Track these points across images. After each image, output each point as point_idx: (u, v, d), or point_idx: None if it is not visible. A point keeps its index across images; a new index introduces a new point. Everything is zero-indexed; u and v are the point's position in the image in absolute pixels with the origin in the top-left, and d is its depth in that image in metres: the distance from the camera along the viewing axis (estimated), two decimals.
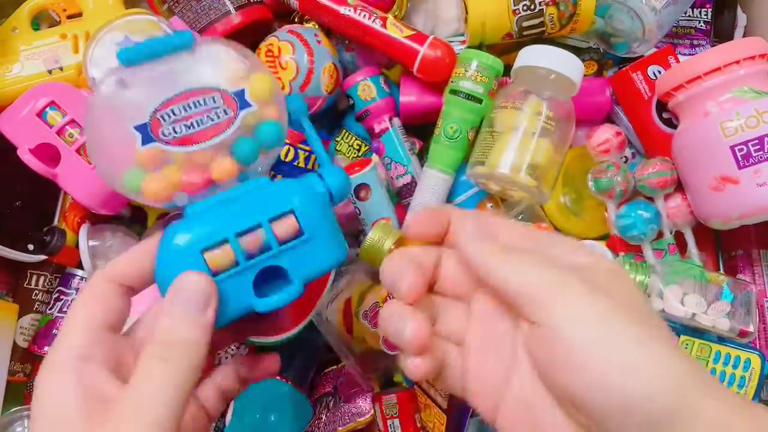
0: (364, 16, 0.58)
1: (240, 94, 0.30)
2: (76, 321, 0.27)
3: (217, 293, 0.28)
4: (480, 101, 0.56)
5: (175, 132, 0.29)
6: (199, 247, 0.28)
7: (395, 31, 0.58)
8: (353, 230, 0.59)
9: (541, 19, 0.57)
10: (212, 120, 0.29)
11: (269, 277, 0.30)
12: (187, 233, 0.28)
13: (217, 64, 0.30)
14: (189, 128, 0.29)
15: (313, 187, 0.32)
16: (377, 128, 0.61)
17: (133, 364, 0.26)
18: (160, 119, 0.28)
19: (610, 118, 0.64)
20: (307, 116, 0.35)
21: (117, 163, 0.29)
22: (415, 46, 0.57)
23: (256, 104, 0.30)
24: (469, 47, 0.60)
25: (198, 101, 0.29)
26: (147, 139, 0.28)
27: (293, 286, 0.30)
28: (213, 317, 0.27)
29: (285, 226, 0.29)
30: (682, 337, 0.54)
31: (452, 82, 0.57)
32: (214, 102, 0.29)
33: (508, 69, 0.58)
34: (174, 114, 0.29)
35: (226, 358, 0.56)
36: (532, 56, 0.54)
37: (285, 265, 0.30)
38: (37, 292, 0.58)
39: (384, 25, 0.58)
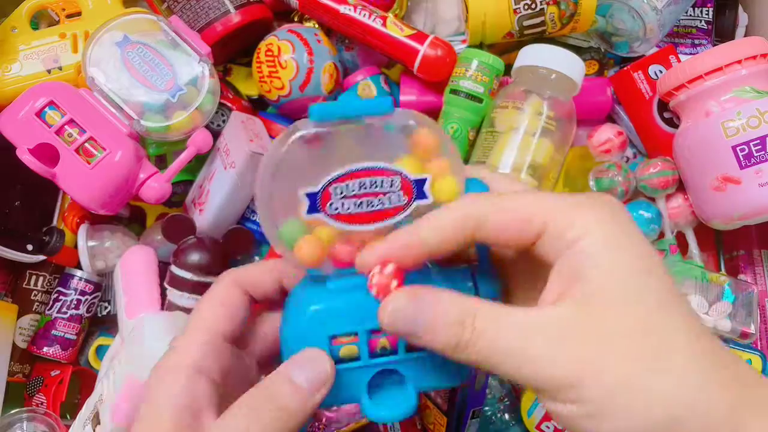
0: (364, 15, 0.58)
1: (420, 183, 0.27)
2: (200, 324, 0.28)
3: (333, 381, 0.27)
4: (480, 101, 0.56)
5: (343, 208, 0.27)
6: (331, 332, 0.27)
7: (395, 30, 0.58)
8: None
9: (542, 18, 0.57)
10: (383, 204, 0.27)
11: (383, 373, 0.29)
12: (324, 310, 0.28)
13: (405, 141, 0.27)
14: (357, 207, 0.27)
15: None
16: None
17: (239, 383, 0.27)
18: (332, 192, 0.26)
19: (611, 118, 0.64)
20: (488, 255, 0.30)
21: (278, 214, 0.27)
22: (415, 45, 0.57)
23: (432, 199, 0.27)
24: (470, 46, 0.60)
25: (376, 181, 0.26)
26: (313, 209, 0.26)
27: (409, 400, 0.28)
28: (321, 401, 0.27)
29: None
30: None
31: (453, 81, 0.57)
32: (391, 186, 0.27)
33: (508, 68, 0.57)
34: (348, 189, 0.26)
35: None
36: (533, 56, 0.54)
37: (404, 371, 0.28)
38: (36, 292, 0.58)
39: (384, 25, 0.58)
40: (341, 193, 0.26)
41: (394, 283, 0.25)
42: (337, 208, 0.27)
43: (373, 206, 0.27)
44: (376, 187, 0.26)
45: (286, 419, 0.26)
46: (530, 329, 0.24)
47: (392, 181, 0.26)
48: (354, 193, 0.26)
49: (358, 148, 0.26)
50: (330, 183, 0.26)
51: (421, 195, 0.27)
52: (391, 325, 0.25)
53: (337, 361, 0.28)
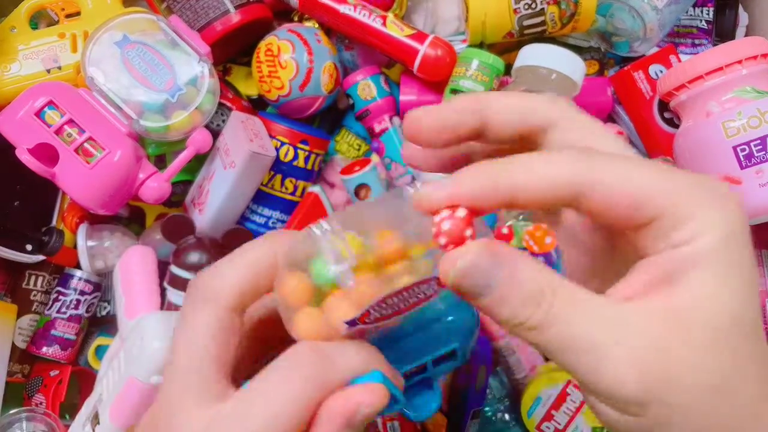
0: (364, 15, 0.58)
1: None
2: (194, 365, 0.23)
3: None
4: None
5: (380, 314, 0.24)
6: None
7: (395, 30, 0.57)
8: None
9: (542, 18, 0.57)
10: (418, 297, 0.25)
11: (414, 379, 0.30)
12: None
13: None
14: (393, 308, 0.25)
15: (470, 322, 0.30)
16: (377, 128, 0.61)
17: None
18: (371, 311, 0.24)
19: (611, 118, 0.64)
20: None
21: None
22: (415, 45, 0.57)
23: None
24: (470, 46, 0.60)
25: (414, 290, 0.24)
26: (352, 324, 0.24)
27: (437, 396, 0.30)
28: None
29: (443, 359, 0.30)
30: None
31: (453, 81, 0.57)
32: (428, 288, 0.24)
33: (508, 68, 0.57)
34: (386, 305, 0.24)
35: None
36: (533, 55, 0.54)
37: (432, 377, 0.30)
38: (36, 292, 0.58)
39: (384, 24, 0.57)
40: (380, 309, 0.24)
41: (469, 231, 0.21)
42: (374, 318, 0.24)
43: (407, 302, 0.25)
44: (414, 295, 0.24)
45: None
46: (610, 323, 0.20)
47: (430, 285, 0.24)
48: (392, 303, 0.24)
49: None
50: (370, 307, 0.24)
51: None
52: (459, 279, 0.21)
53: None
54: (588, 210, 0.22)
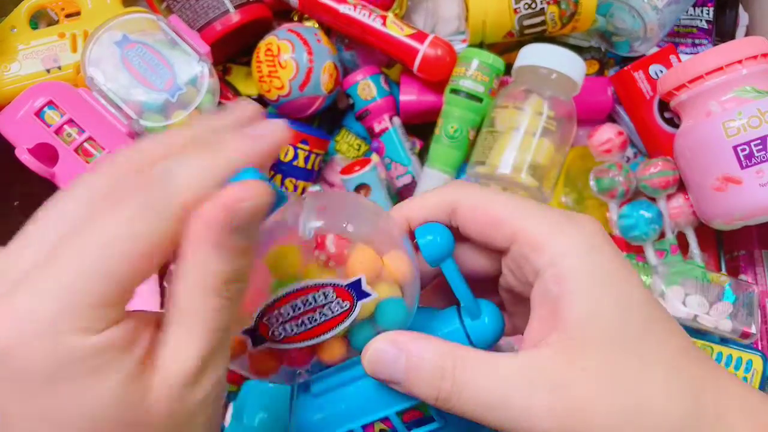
0: (364, 14, 0.58)
1: (356, 286, 0.25)
2: None
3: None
4: (481, 100, 0.56)
5: (286, 332, 0.26)
6: None
7: (395, 29, 0.57)
8: None
9: (543, 17, 0.57)
10: (326, 315, 0.25)
11: None
12: (322, 416, 0.28)
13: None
14: (300, 326, 0.25)
15: None
16: (377, 128, 0.61)
17: None
18: (267, 323, 0.25)
19: (611, 118, 0.64)
20: (452, 258, 0.28)
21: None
22: (415, 44, 0.57)
23: (375, 293, 0.25)
24: (470, 46, 0.60)
25: (307, 299, 0.25)
26: (258, 342, 0.26)
27: None
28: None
29: (413, 415, 0.27)
30: None
31: (453, 81, 0.57)
32: (326, 297, 0.25)
33: (509, 68, 0.57)
34: (282, 315, 0.25)
35: None
36: (534, 55, 0.53)
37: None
38: None
39: (384, 24, 0.57)
40: (277, 321, 0.25)
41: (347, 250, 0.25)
42: (280, 334, 0.25)
43: (316, 321, 0.25)
44: (310, 304, 0.25)
45: None
46: (511, 377, 0.23)
47: (324, 293, 0.25)
48: (291, 316, 0.25)
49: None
50: (261, 317, 0.25)
51: (362, 295, 0.25)
52: (373, 371, 0.25)
53: None
54: (461, 227, 0.26)
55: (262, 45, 0.58)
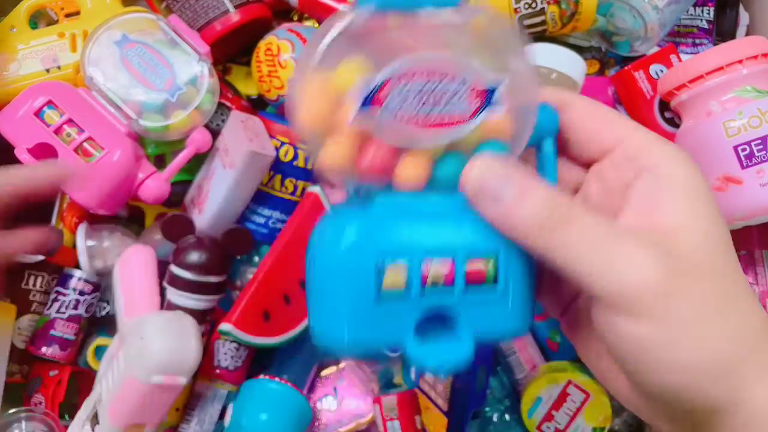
0: None
1: (491, 92, 0.23)
2: None
3: None
4: None
5: (401, 108, 0.22)
6: (377, 261, 0.23)
7: None
8: None
9: (543, 17, 0.57)
10: (446, 109, 0.23)
11: (432, 323, 0.24)
12: (369, 232, 0.23)
13: (477, 37, 0.23)
14: (416, 109, 0.23)
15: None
16: None
17: None
18: (392, 89, 0.22)
19: None
20: (555, 138, 0.26)
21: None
22: None
23: (500, 113, 0.23)
24: None
25: (444, 82, 0.22)
26: (365, 104, 0.22)
27: (464, 347, 0.24)
28: None
29: (479, 268, 0.24)
30: None
31: None
32: (461, 86, 0.23)
33: None
34: (409, 89, 0.22)
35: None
36: (534, 55, 0.53)
37: (460, 311, 0.24)
38: (35, 292, 0.58)
39: None
40: (404, 89, 0.22)
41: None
42: (395, 108, 0.22)
43: (434, 110, 0.23)
44: (443, 87, 0.23)
45: None
46: (625, 235, 0.23)
47: (464, 79, 0.22)
48: (417, 91, 0.22)
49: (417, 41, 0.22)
50: (389, 79, 0.22)
51: (490, 103, 0.23)
52: (478, 181, 0.23)
53: (379, 293, 0.23)
54: (568, 120, 0.27)
55: (262, 45, 0.58)
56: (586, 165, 0.28)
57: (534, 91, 0.25)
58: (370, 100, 0.22)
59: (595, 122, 0.27)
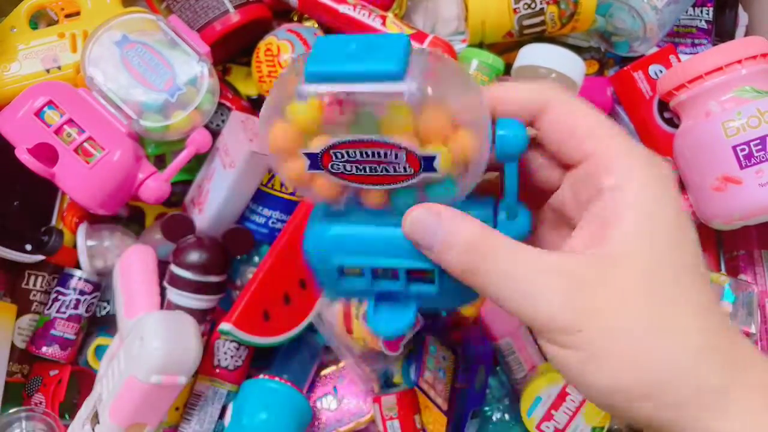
0: (364, 14, 0.58)
1: (429, 160, 0.25)
2: None
3: None
4: None
5: (345, 170, 0.27)
6: (339, 262, 0.29)
7: (395, 29, 0.57)
8: None
9: (542, 17, 0.57)
10: (387, 171, 0.26)
11: (387, 298, 0.30)
12: (338, 238, 0.29)
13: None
14: (359, 171, 0.26)
15: None
16: None
17: None
18: (333, 155, 0.26)
19: (611, 118, 0.64)
20: (519, 161, 0.28)
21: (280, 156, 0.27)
22: (415, 44, 0.57)
23: (442, 174, 0.26)
24: (470, 46, 0.60)
25: (380, 152, 0.25)
26: (314, 167, 0.27)
27: (408, 316, 0.30)
28: None
29: (419, 275, 0.29)
30: None
31: None
32: (396, 158, 0.26)
33: (508, 68, 0.57)
34: (350, 155, 0.26)
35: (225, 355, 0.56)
36: (533, 55, 0.53)
37: (406, 295, 0.30)
38: (35, 292, 0.58)
39: (384, 24, 0.57)
40: (343, 157, 0.26)
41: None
42: (339, 169, 0.27)
43: (377, 172, 0.26)
44: (380, 156, 0.26)
45: None
46: (545, 269, 0.24)
47: (397, 154, 0.26)
48: (357, 159, 0.26)
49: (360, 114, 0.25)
50: (332, 147, 0.26)
51: (429, 169, 0.26)
52: (410, 233, 0.27)
53: (342, 275, 0.30)
54: (543, 127, 0.27)
55: (262, 45, 0.58)
56: (566, 167, 0.28)
57: (486, 127, 0.26)
58: (316, 164, 0.26)
59: (568, 132, 0.26)
